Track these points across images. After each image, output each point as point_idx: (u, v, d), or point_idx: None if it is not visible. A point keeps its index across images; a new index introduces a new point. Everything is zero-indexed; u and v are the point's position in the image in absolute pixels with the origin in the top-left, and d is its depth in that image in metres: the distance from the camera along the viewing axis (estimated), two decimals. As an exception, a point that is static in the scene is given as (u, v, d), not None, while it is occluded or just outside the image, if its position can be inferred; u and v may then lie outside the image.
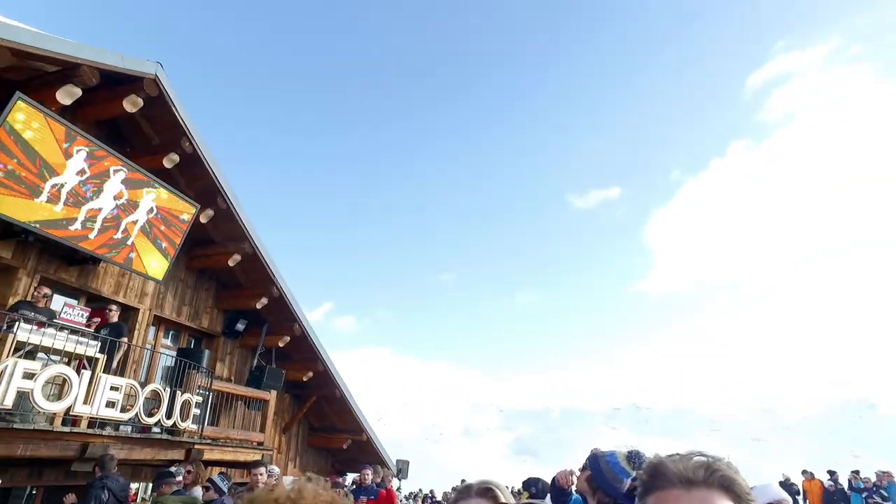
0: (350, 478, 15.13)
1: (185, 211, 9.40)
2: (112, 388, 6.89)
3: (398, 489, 15.47)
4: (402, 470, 15.54)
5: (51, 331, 6.70)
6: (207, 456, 8.64)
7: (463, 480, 19.38)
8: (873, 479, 13.64)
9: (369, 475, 8.73)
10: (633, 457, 2.71)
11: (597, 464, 2.73)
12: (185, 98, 9.14)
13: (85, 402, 6.50)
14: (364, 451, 14.44)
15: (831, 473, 14.70)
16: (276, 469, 9.20)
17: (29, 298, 7.42)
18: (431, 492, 17.81)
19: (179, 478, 5.98)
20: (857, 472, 14.19)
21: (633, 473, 2.65)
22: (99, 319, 8.00)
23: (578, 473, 3.34)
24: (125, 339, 8.12)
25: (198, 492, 6.30)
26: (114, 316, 8.08)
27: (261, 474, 6.45)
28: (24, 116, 6.92)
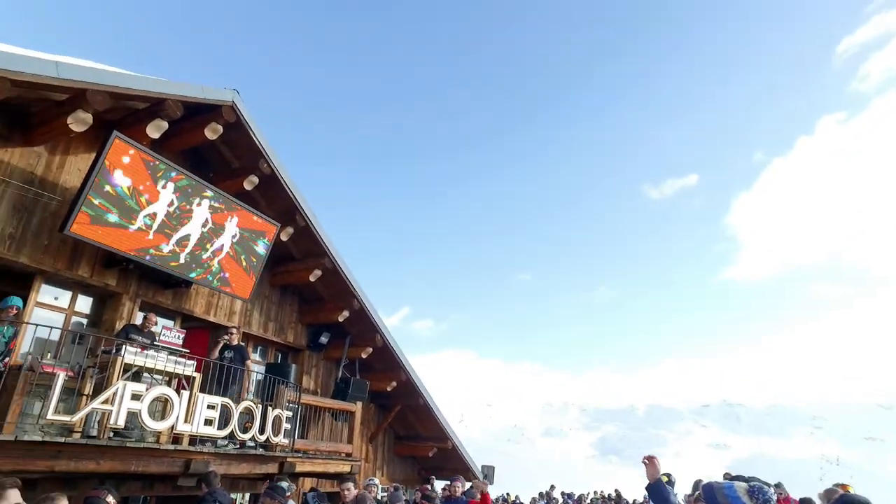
0: (438, 484, 15.19)
1: (267, 230, 9.71)
2: (209, 407, 7.16)
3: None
4: (487, 475, 15.46)
5: (152, 352, 7.08)
6: (299, 468, 8.85)
7: (552, 486, 19.01)
8: None
9: (459, 487, 8.67)
10: (756, 492, 2.46)
11: (713, 496, 2.51)
12: (261, 120, 9.46)
13: (185, 421, 6.78)
14: (449, 458, 14.44)
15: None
16: (374, 480, 9.32)
17: (137, 323, 7.88)
18: (517, 497, 17.55)
19: (289, 493, 6.13)
20: None
21: None
22: (229, 336, 8.46)
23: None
24: (250, 362, 8.51)
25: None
26: (234, 339, 8.49)
27: (348, 490, 6.52)
28: (121, 152, 7.34)
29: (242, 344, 8.78)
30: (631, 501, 18.48)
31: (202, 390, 7.45)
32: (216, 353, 8.32)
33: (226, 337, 8.51)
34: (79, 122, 6.95)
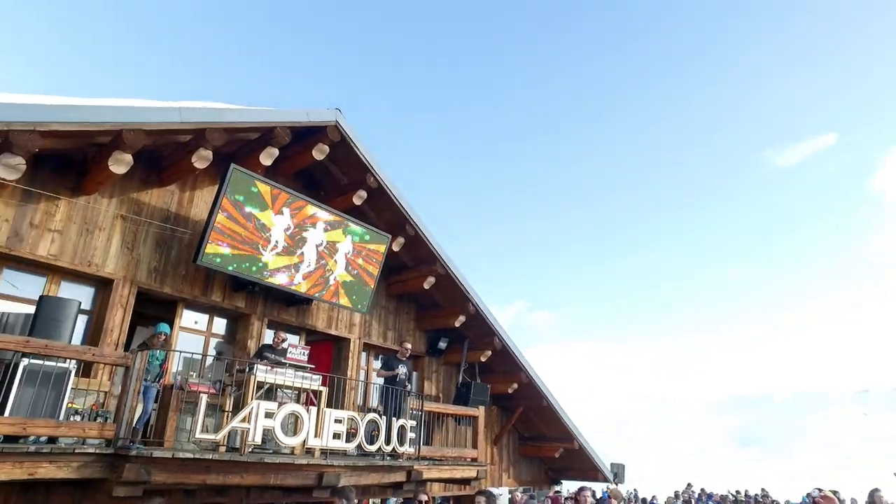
0: (563, 487, 14.82)
1: (379, 242, 9.92)
2: (336, 421, 7.41)
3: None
4: (617, 475, 14.84)
5: (282, 370, 7.46)
6: (426, 475, 8.95)
7: (689, 484, 17.86)
8: None
9: (588, 497, 8.32)
10: None
11: None
12: (365, 135, 9.67)
13: (315, 435, 7.05)
14: (577, 458, 14.04)
15: None
16: (494, 490, 9.24)
17: (268, 342, 8.37)
18: (654, 498, 16.71)
19: None
20: None
21: None
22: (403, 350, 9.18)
23: None
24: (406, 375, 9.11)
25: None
26: (405, 353, 9.08)
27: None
28: (239, 183, 7.80)
29: (407, 361, 9.37)
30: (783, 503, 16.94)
31: (329, 405, 7.75)
32: (395, 370, 8.94)
33: (401, 352, 9.11)
34: (201, 159, 7.47)
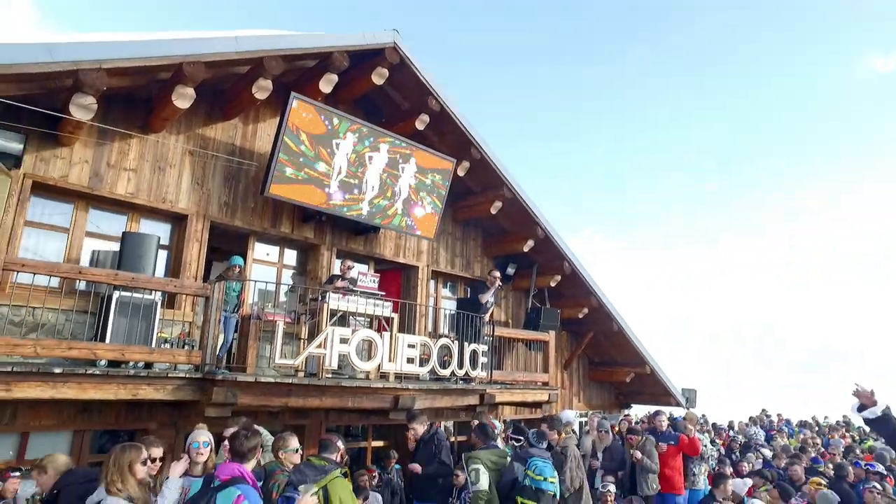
0: (633, 412, 14.81)
1: (444, 167, 9.70)
2: (409, 346, 7.52)
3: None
4: (689, 399, 14.62)
5: (354, 297, 7.59)
6: (498, 399, 9.09)
7: (763, 410, 17.37)
8: None
9: (664, 421, 8.23)
10: None
11: None
12: (424, 57, 9.26)
13: (390, 360, 7.20)
14: (648, 383, 13.89)
15: None
16: (568, 412, 9.31)
17: (336, 272, 8.51)
18: (731, 423, 16.40)
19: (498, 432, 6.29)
20: None
21: None
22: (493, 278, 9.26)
23: None
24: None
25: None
26: (494, 281, 9.18)
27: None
28: (300, 112, 7.70)
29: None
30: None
31: (400, 330, 7.89)
32: (488, 297, 9.07)
33: (495, 281, 9.13)
34: (261, 89, 7.38)
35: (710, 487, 7.98)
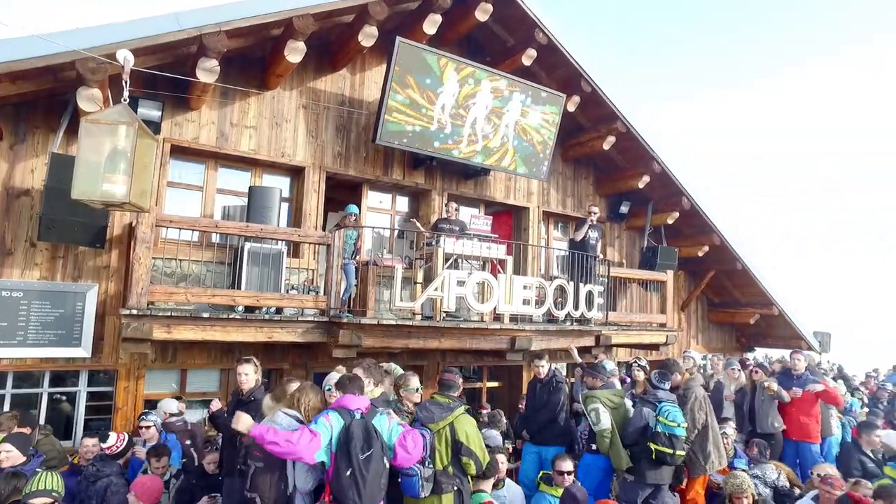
0: (754, 356, 13.95)
1: (553, 103, 9.31)
2: (524, 287, 7.49)
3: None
4: (822, 343, 13.53)
5: (467, 240, 7.63)
6: (614, 340, 8.92)
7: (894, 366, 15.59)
8: None
9: (802, 361, 7.69)
10: None
11: None
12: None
13: (505, 302, 7.24)
14: (774, 325, 13.01)
15: None
16: (691, 352, 8.96)
17: (444, 215, 8.59)
18: (855, 376, 14.94)
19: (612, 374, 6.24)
20: None
21: None
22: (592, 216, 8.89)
23: None
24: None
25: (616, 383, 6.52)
26: (594, 219, 8.89)
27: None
28: (407, 57, 7.64)
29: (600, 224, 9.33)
30: None
31: (515, 272, 7.86)
32: (583, 233, 8.73)
33: (590, 217, 8.84)
34: (367, 37, 7.38)
35: (852, 437, 7.45)
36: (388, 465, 3.60)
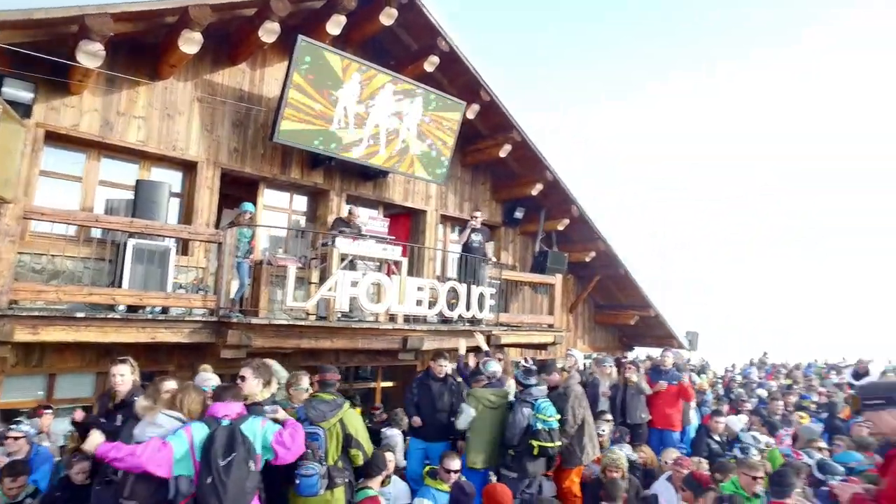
0: (635, 355, 15.14)
1: (454, 110, 9.60)
2: (418, 289, 7.70)
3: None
4: (691, 342, 14.91)
5: (363, 241, 7.73)
6: (504, 340, 9.36)
7: (766, 353, 17.58)
8: None
9: (669, 358, 8.47)
10: None
11: None
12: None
13: (399, 303, 7.41)
14: (652, 326, 14.16)
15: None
16: (573, 351, 9.57)
17: (343, 216, 8.63)
18: (732, 367, 16.75)
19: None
20: None
21: None
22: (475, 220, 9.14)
23: None
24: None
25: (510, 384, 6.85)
26: (478, 223, 9.14)
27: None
28: (308, 55, 7.62)
29: (485, 227, 9.53)
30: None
31: (409, 274, 8.06)
32: (465, 237, 9.04)
33: (472, 222, 9.11)
34: (268, 32, 7.29)
35: (702, 423, 8.35)
36: (253, 469, 3.56)
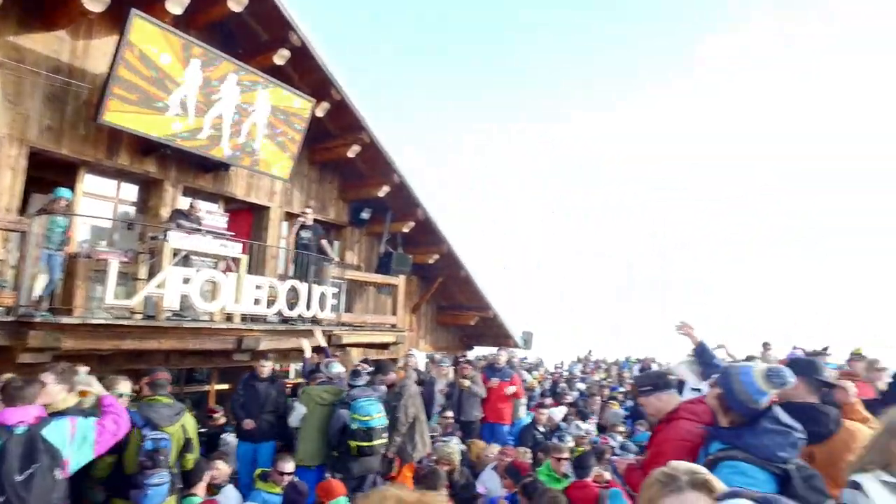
0: (473, 354, 16.04)
1: (302, 107, 9.44)
2: (256, 287, 7.48)
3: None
4: (527, 341, 16.08)
5: (199, 236, 7.32)
6: (346, 340, 9.41)
7: (590, 351, 19.45)
8: None
9: (503, 356, 9.12)
10: (773, 375, 2.43)
11: (729, 382, 2.48)
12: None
13: (235, 301, 7.14)
14: (491, 326, 15.06)
15: None
16: (413, 351, 9.88)
17: (183, 209, 8.07)
18: (560, 364, 18.31)
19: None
20: None
21: (771, 393, 2.41)
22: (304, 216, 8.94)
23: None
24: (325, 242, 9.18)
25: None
26: (309, 219, 8.90)
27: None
28: (143, 33, 7.03)
29: (317, 224, 9.26)
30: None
31: (249, 271, 7.78)
32: (293, 234, 8.85)
33: (301, 218, 8.90)
34: (94, 1, 6.62)
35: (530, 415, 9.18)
36: (60, 478, 3.24)
